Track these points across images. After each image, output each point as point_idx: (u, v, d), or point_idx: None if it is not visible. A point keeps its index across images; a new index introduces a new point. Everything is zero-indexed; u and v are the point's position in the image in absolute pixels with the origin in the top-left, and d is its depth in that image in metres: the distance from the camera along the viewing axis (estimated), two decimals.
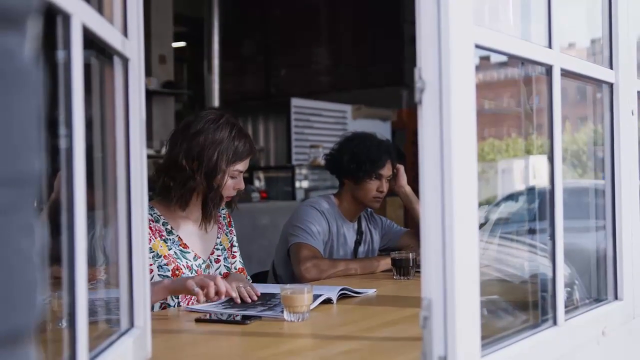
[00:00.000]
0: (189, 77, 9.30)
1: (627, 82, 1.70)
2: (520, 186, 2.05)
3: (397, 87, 7.99)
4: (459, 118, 1.04)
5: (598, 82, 1.68)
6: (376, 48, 8.53)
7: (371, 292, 2.18)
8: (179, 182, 2.11)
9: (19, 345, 0.58)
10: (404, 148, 5.56)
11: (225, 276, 2.21)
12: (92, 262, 1.10)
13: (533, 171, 1.70)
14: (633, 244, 1.70)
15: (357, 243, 2.89)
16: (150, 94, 6.52)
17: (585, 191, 1.82)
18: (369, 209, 2.96)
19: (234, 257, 2.34)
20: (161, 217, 2.15)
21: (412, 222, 2.99)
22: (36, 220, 0.61)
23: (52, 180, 1.04)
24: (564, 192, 1.39)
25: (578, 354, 1.48)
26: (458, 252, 1.03)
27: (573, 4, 1.87)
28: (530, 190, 1.77)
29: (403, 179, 2.89)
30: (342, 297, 2.04)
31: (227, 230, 2.35)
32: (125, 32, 1.22)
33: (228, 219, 2.37)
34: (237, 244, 2.38)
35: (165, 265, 2.08)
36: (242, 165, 2.17)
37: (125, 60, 1.22)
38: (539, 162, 1.55)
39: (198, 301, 1.86)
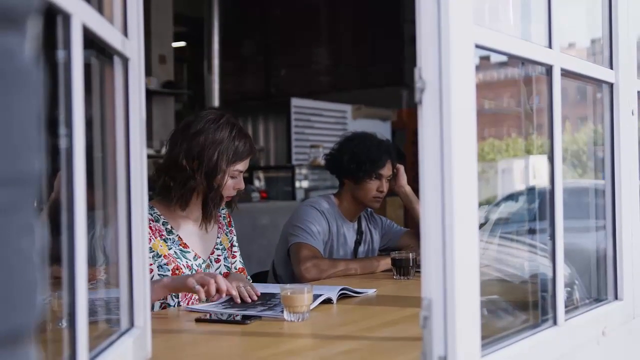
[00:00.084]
0: (189, 77, 9.30)
1: (627, 82, 1.70)
2: (520, 186, 2.05)
3: (397, 87, 8.00)
4: (459, 118, 1.04)
5: (598, 82, 1.68)
6: (376, 48, 8.53)
7: (371, 292, 2.18)
8: (179, 182, 2.11)
9: (19, 345, 0.58)
10: (404, 148, 5.56)
11: (226, 276, 2.21)
12: (92, 262, 1.10)
13: (533, 171, 1.70)
14: (633, 244, 1.70)
15: (357, 243, 2.89)
16: (150, 94, 6.52)
17: (585, 191, 1.82)
18: (369, 209, 2.96)
19: (234, 257, 2.35)
20: (161, 216, 2.15)
21: (412, 222, 2.99)
22: (36, 220, 0.61)
23: (52, 180, 1.04)
24: (564, 192, 1.39)
25: (578, 354, 1.48)
26: (458, 252, 1.03)
27: (573, 4, 1.87)
28: (531, 190, 1.77)
29: (403, 178, 2.89)
30: (342, 297, 2.04)
31: (227, 230, 2.35)
32: (125, 32, 1.22)
33: (228, 219, 2.37)
34: (237, 244, 2.38)
35: (165, 265, 2.08)
36: (242, 165, 2.17)
37: (125, 60, 1.22)
38: (539, 162, 1.55)
39: (199, 299, 1.87)
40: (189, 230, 2.20)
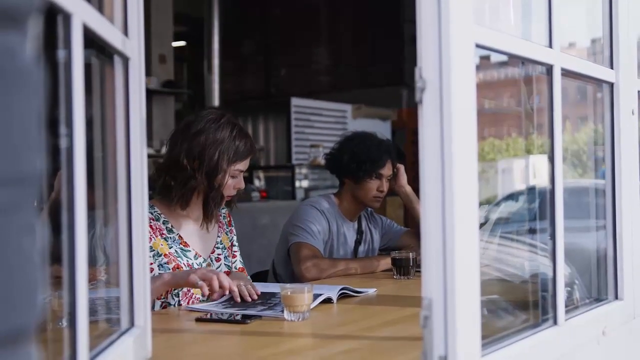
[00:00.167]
0: (189, 76, 9.30)
1: (628, 81, 1.70)
2: (520, 186, 2.05)
3: (397, 87, 8.00)
4: (460, 117, 1.04)
5: (598, 82, 1.68)
6: (376, 48, 8.53)
7: (371, 291, 2.18)
8: (180, 181, 2.12)
9: (19, 345, 0.58)
10: (404, 148, 5.56)
11: (227, 274, 2.21)
12: (92, 262, 1.10)
13: (533, 171, 1.70)
14: (633, 244, 1.70)
15: (357, 242, 2.89)
16: (150, 94, 6.51)
17: (586, 191, 1.82)
18: (369, 209, 2.96)
19: (234, 256, 2.35)
20: (161, 215, 2.15)
21: (412, 221, 2.99)
22: (37, 220, 0.61)
23: (53, 180, 1.04)
24: (564, 192, 1.39)
25: (578, 353, 1.48)
26: (458, 251, 1.03)
27: (573, 4, 1.87)
28: (531, 190, 1.77)
29: (403, 178, 2.89)
30: (342, 296, 2.04)
31: (227, 230, 2.35)
32: (125, 32, 1.22)
33: (228, 219, 2.38)
34: (237, 244, 2.38)
35: (165, 263, 2.08)
36: (242, 165, 2.18)
37: (125, 60, 1.22)
38: (539, 162, 1.55)
39: (203, 293, 1.87)
40: (189, 229, 2.20)
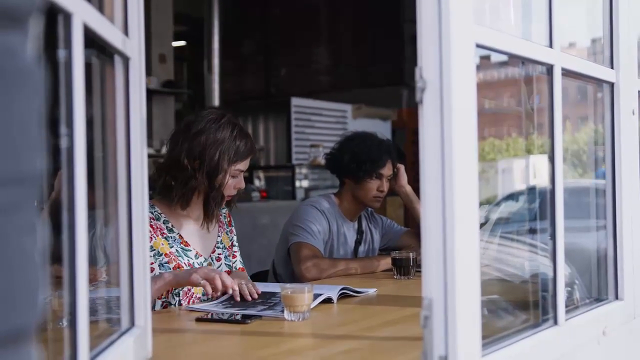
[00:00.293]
0: (189, 76, 9.30)
1: (628, 81, 1.70)
2: (520, 186, 2.05)
3: (397, 87, 8.00)
4: (460, 117, 1.04)
5: (599, 82, 1.68)
6: (376, 48, 8.53)
7: (371, 291, 2.18)
8: (181, 181, 2.12)
9: (20, 345, 0.58)
10: (404, 147, 5.56)
11: (228, 274, 2.21)
12: (92, 262, 1.10)
13: (533, 171, 1.70)
14: (633, 244, 1.70)
15: (358, 242, 2.89)
16: (150, 93, 6.52)
17: (586, 191, 1.82)
18: (370, 209, 2.96)
19: (234, 256, 2.35)
20: (162, 215, 2.15)
21: (412, 221, 2.99)
22: (37, 220, 0.61)
23: (53, 180, 1.04)
24: (564, 192, 1.39)
25: (578, 353, 1.48)
26: (458, 251, 1.03)
27: (574, 4, 1.87)
28: (531, 190, 1.77)
29: (403, 178, 2.89)
30: (343, 296, 2.04)
31: (228, 230, 2.35)
32: (125, 31, 1.22)
33: (228, 219, 2.38)
34: (237, 244, 2.38)
35: (166, 263, 2.08)
36: (243, 165, 2.18)
37: (125, 59, 1.22)
38: (539, 162, 1.55)
39: (206, 292, 1.88)
40: (189, 229, 2.20)
